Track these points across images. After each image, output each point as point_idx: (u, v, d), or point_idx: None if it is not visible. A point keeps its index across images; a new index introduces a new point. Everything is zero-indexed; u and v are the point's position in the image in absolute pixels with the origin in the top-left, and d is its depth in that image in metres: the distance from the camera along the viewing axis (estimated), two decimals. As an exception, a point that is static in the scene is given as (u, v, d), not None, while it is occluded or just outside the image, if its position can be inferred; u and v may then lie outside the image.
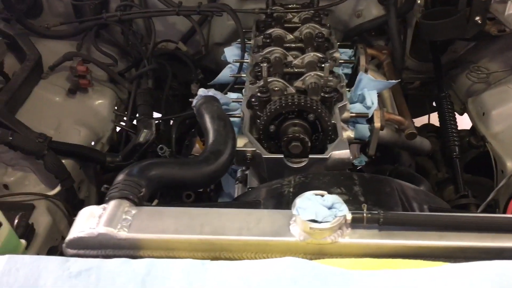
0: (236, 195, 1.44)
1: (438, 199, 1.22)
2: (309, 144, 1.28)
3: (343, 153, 1.26)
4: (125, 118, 1.82)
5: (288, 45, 1.68)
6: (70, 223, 1.53)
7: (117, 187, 0.98)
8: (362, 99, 1.57)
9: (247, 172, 1.44)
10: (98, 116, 1.83)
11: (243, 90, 1.63)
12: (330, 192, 1.02)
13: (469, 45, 2.19)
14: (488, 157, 1.83)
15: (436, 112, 2.09)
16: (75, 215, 1.61)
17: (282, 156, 1.27)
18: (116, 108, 1.91)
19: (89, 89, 1.85)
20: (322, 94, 1.35)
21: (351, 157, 1.28)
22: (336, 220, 0.85)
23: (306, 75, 1.44)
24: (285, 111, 1.30)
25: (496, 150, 1.72)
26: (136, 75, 1.84)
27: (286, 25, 1.83)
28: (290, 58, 1.61)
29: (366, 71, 1.84)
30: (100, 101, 1.86)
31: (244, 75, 1.68)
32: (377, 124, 1.50)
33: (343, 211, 0.86)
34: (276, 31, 1.73)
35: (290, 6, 1.95)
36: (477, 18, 1.74)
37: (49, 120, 1.68)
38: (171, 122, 1.95)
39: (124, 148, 1.66)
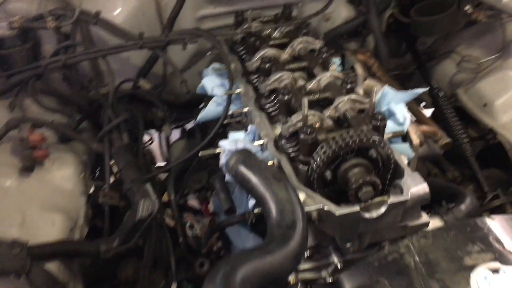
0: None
1: None
2: (381, 186, 1.06)
3: (422, 187, 1.07)
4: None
5: (290, 66, 1.43)
6: None
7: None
8: (389, 115, 1.39)
9: None
10: (65, 193, 1.41)
11: (250, 127, 1.35)
12: (468, 252, 0.82)
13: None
14: (492, 148, 1.77)
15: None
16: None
17: (359, 209, 1.04)
18: (82, 176, 1.51)
19: (45, 161, 1.43)
20: (373, 122, 1.13)
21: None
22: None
23: (339, 101, 1.22)
24: (344, 152, 1.06)
25: (511, 140, 1.65)
26: (106, 130, 1.45)
27: (271, 42, 1.58)
28: (300, 82, 1.38)
29: (365, 79, 1.68)
30: (63, 172, 1.44)
31: (246, 109, 1.40)
32: (416, 141, 1.34)
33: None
34: (269, 51, 1.47)
35: (265, 20, 1.71)
36: (467, 7, 1.66)
37: (7, 216, 1.24)
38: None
39: (120, 228, 1.29)
